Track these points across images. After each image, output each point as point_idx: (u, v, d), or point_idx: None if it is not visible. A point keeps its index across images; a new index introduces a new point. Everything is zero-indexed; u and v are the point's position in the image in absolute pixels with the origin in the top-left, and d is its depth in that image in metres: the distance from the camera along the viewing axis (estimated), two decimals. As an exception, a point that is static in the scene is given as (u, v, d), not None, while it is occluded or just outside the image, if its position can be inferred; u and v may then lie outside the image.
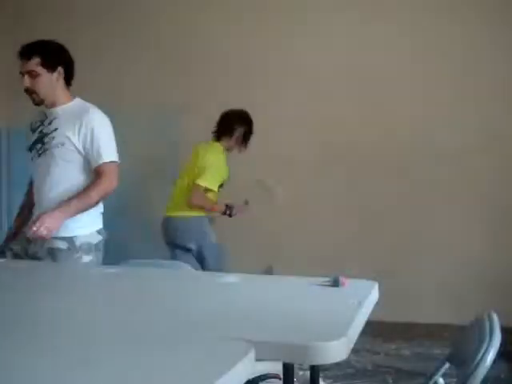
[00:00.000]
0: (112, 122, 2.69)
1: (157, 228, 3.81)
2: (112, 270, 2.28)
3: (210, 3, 4.70)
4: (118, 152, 2.65)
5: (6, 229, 4.14)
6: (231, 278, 2.04)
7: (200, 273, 2.30)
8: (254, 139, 4.49)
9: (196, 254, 3.70)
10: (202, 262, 3.69)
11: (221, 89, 4.57)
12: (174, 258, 3.68)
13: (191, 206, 3.62)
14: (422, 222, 4.25)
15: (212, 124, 3.80)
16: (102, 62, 4.87)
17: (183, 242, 3.70)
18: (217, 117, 3.82)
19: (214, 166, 3.64)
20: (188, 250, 3.71)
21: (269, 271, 4.25)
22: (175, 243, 3.74)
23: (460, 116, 4.16)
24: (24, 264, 2.51)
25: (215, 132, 3.80)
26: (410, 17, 4.26)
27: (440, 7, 4.20)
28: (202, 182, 3.59)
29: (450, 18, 4.18)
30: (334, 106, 4.37)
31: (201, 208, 3.66)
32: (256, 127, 4.50)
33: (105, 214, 2.73)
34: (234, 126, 3.76)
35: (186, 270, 2.40)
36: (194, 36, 4.68)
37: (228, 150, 3.79)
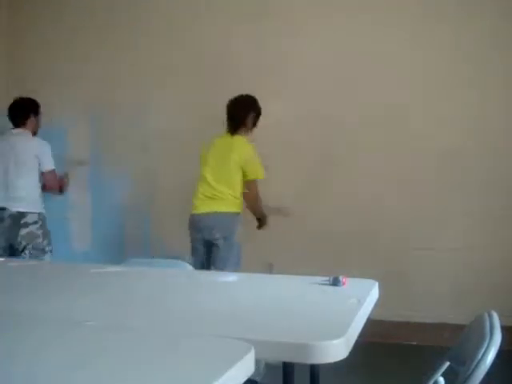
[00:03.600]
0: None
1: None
2: (112, 269, 2.28)
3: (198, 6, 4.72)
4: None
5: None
6: (231, 277, 2.04)
7: (200, 272, 2.30)
8: (254, 139, 4.50)
9: (221, 248, 3.68)
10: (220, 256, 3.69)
11: (217, 88, 4.57)
12: (208, 254, 3.75)
13: (256, 200, 3.79)
14: (422, 222, 4.24)
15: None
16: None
17: (215, 236, 3.68)
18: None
19: (254, 157, 3.71)
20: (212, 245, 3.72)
21: (269, 270, 4.24)
22: (208, 238, 3.72)
23: (462, 116, 4.15)
24: (23, 263, 2.51)
25: (231, 125, 3.76)
26: (410, 17, 4.25)
27: (442, 8, 4.19)
28: (260, 176, 3.72)
29: (450, 17, 4.17)
30: (335, 106, 4.36)
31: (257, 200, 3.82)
32: (256, 127, 4.52)
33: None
34: (245, 114, 3.76)
35: (185, 269, 2.40)
36: (188, 36, 4.68)
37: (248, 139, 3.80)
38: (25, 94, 4.17)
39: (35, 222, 3.96)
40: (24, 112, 4.10)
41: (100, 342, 1.21)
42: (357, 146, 4.34)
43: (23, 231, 3.92)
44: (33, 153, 4.00)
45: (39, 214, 4.01)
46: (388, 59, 4.29)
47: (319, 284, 1.88)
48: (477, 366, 1.33)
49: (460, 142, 4.13)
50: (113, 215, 4.96)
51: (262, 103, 3.84)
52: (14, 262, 2.58)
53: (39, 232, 3.98)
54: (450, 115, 4.18)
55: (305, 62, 4.45)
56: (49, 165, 4.04)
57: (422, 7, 4.23)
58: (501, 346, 1.39)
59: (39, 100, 4.16)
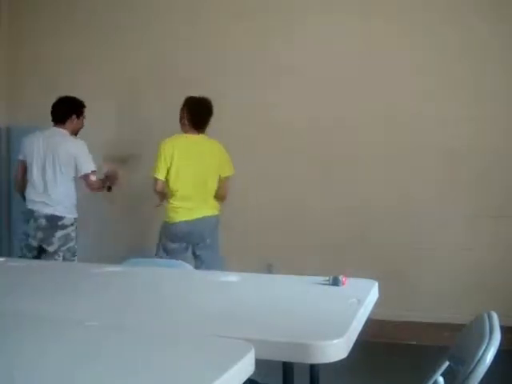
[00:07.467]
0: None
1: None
2: (113, 268, 2.28)
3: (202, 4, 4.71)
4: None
5: (6, 229, 4.16)
6: (231, 278, 2.04)
7: (200, 272, 2.30)
8: (254, 139, 4.51)
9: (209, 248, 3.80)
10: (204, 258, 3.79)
11: (220, 88, 4.56)
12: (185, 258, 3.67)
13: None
14: (423, 222, 4.24)
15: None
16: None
17: (204, 239, 3.78)
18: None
19: (227, 156, 3.82)
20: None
21: (269, 270, 4.24)
22: (195, 242, 3.78)
23: (462, 116, 4.15)
24: (24, 263, 2.51)
25: (197, 125, 3.75)
26: (410, 16, 4.25)
27: (442, 7, 4.19)
28: (231, 172, 3.82)
29: (451, 16, 4.17)
30: (335, 106, 4.36)
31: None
32: (257, 126, 4.51)
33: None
34: (208, 117, 3.79)
35: (186, 269, 2.40)
36: (191, 35, 4.68)
37: None
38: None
39: (72, 225, 3.85)
40: (64, 111, 3.92)
41: (100, 342, 1.21)
42: (357, 146, 4.33)
43: (60, 233, 3.80)
44: (70, 154, 3.81)
45: (75, 218, 3.89)
46: (388, 59, 4.28)
47: (319, 284, 1.88)
48: (476, 365, 1.33)
49: (460, 141, 4.13)
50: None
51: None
52: (14, 262, 2.58)
53: (74, 235, 3.87)
54: (451, 115, 4.17)
55: (303, 62, 4.45)
56: (88, 167, 3.81)
57: (422, 7, 4.23)
58: (500, 346, 1.39)
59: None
